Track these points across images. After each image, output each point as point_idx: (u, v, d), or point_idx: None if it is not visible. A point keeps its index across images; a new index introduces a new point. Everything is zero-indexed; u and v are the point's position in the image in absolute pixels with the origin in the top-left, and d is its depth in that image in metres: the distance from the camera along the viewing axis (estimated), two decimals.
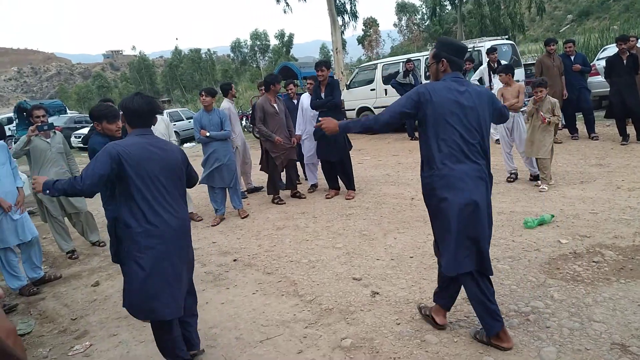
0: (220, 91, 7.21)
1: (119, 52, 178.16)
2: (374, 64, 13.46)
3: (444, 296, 2.97)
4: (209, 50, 73.15)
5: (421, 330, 3.02)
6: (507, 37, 13.78)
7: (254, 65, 64.66)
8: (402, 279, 3.82)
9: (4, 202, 4.31)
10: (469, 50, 11.30)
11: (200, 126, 6.03)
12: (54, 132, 5.32)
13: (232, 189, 6.28)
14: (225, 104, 6.95)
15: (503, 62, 8.84)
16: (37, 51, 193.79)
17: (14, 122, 20.94)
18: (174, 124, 16.69)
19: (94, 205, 5.87)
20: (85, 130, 11.81)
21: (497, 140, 8.19)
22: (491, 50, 9.07)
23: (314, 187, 7.33)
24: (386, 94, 12.43)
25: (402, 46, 54.80)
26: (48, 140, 5.22)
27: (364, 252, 4.52)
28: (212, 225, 6.10)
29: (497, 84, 8.40)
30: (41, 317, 4.10)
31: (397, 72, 11.14)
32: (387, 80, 12.49)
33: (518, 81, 7.12)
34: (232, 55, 71.79)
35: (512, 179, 6.34)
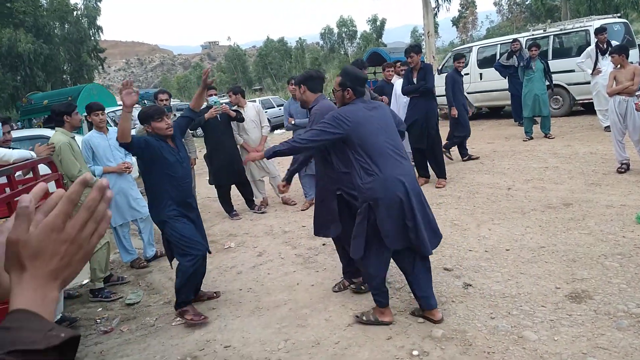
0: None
1: (215, 43, 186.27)
2: (468, 47, 12.85)
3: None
4: (300, 38, 74.11)
5: (518, 326, 2.89)
6: (618, 15, 12.48)
7: (342, 52, 64.53)
8: (497, 272, 3.67)
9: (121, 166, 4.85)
10: (568, 30, 10.47)
11: (288, 114, 6.17)
12: (174, 115, 5.85)
13: None
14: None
15: (614, 42, 8.07)
16: (142, 43, 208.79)
17: None
18: (266, 111, 17.21)
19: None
20: None
21: (607, 127, 7.55)
22: (600, 30, 8.32)
23: None
24: (481, 79, 11.86)
25: (500, 28, 51.63)
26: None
27: (455, 243, 4.39)
28: (302, 210, 6.24)
29: (606, 66, 7.72)
30: (148, 289, 4.46)
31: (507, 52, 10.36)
32: (483, 63, 11.90)
33: (632, 63, 6.45)
34: (321, 42, 72.12)
35: (623, 170, 5.81)
